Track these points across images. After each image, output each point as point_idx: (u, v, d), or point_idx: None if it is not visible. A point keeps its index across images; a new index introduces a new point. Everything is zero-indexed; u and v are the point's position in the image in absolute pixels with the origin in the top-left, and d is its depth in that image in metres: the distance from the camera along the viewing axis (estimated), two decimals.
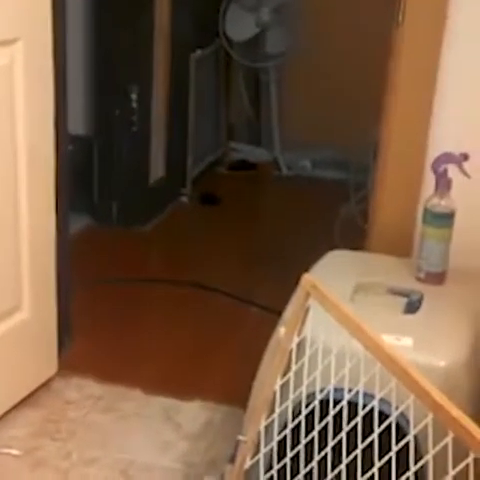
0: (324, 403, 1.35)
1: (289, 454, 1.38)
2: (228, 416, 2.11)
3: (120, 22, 3.10)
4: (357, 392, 1.28)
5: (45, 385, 2.18)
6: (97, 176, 3.27)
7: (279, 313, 1.62)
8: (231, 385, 2.23)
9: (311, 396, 1.40)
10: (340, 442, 1.26)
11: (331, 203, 3.16)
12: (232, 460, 1.57)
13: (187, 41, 3.57)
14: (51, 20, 1.97)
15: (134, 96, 3.18)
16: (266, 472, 1.45)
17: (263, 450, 1.43)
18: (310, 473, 1.33)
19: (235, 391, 2.09)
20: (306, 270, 1.54)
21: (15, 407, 2.07)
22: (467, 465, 0.99)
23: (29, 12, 1.90)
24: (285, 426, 1.41)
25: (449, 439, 1.02)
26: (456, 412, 1.02)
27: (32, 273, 2.05)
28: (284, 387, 1.41)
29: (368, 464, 1.20)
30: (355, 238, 2.22)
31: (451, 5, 1.84)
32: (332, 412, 1.30)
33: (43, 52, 1.97)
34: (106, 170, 3.26)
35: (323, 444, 1.30)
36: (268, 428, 1.44)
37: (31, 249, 2.03)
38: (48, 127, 2.03)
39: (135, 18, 3.13)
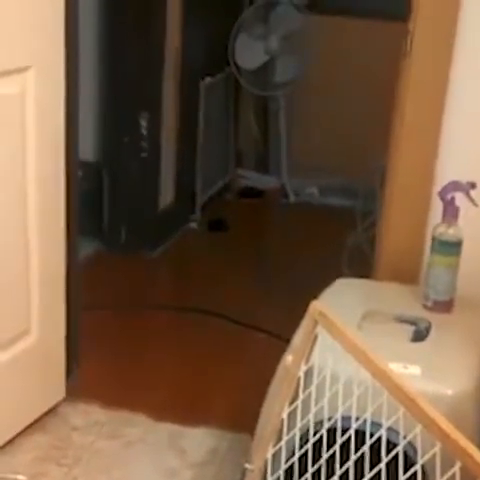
0: (332, 431, 1.35)
1: None
2: (234, 443, 2.10)
3: (130, 49, 3.14)
4: (365, 421, 1.28)
5: (52, 410, 2.17)
6: (106, 201, 3.28)
7: (287, 340, 1.62)
8: (237, 412, 2.22)
9: (319, 424, 1.40)
10: (347, 471, 1.25)
11: (338, 230, 3.16)
12: None
13: (197, 68, 3.61)
14: (64, 48, 2.00)
15: (144, 123, 3.20)
16: None
17: (270, 479, 1.42)
18: None
19: (241, 418, 2.08)
20: (314, 297, 1.55)
21: (22, 432, 2.07)
22: None
23: (42, 40, 1.92)
24: (292, 454, 1.41)
25: (457, 468, 1.02)
26: (464, 441, 1.02)
27: (41, 297, 2.06)
28: (291, 415, 1.40)
29: None
30: (363, 265, 2.22)
31: (458, 36, 1.86)
32: (339, 440, 1.30)
33: (55, 80, 2.00)
34: (115, 196, 3.28)
35: (330, 473, 1.30)
36: (275, 456, 1.43)
37: (41, 273, 2.04)
38: (59, 154, 2.05)
39: (145, 45, 3.16)
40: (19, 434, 2.06)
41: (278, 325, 2.50)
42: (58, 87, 2.01)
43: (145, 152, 3.24)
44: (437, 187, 1.82)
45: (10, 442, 2.03)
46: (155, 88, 3.26)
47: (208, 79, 3.69)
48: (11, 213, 1.93)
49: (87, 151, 3.07)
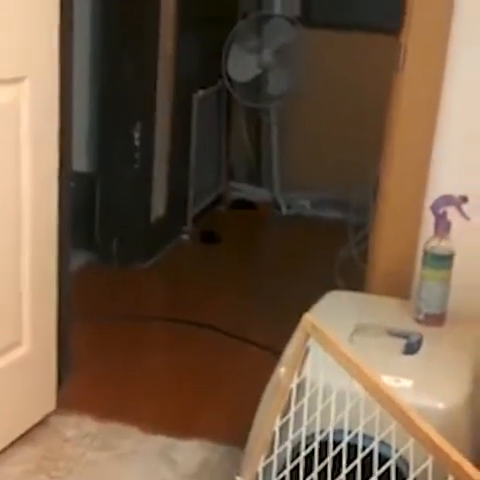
0: (323, 444, 1.35)
1: None
2: (226, 455, 2.09)
3: (124, 61, 3.15)
4: (357, 434, 1.28)
5: (43, 422, 2.16)
6: (98, 213, 3.28)
7: (278, 352, 1.63)
8: (229, 424, 2.22)
9: (310, 437, 1.40)
10: None
11: (330, 243, 3.17)
12: None
13: (190, 81, 3.62)
14: (58, 59, 2.00)
15: (137, 134, 3.21)
16: None
17: None
18: None
19: (233, 430, 2.08)
20: (306, 310, 1.55)
21: (12, 444, 2.06)
22: None
23: (36, 50, 1.93)
24: (284, 467, 1.41)
25: None
26: (456, 455, 1.02)
27: (33, 309, 2.05)
28: (283, 428, 1.40)
29: None
30: (354, 278, 2.23)
31: (451, 49, 1.87)
32: (331, 454, 1.30)
33: (49, 90, 2.00)
34: (107, 207, 3.28)
35: None
36: (267, 469, 1.43)
37: (32, 285, 2.03)
38: (53, 165, 2.05)
39: (139, 57, 3.17)
40: (9, 445, 2.05)
41: (270, 337, 2.50)
42: (52, 98, 2.01)
43: (138, 163, 3.24)
44: (429, 201, 1.83)
45: (0, 454, 2.02)
46: (148, 100, 3.27)
47: (201, 91, 3.71)
48: (3, 223, 1.93)
49: (80, 162, 3.07)
